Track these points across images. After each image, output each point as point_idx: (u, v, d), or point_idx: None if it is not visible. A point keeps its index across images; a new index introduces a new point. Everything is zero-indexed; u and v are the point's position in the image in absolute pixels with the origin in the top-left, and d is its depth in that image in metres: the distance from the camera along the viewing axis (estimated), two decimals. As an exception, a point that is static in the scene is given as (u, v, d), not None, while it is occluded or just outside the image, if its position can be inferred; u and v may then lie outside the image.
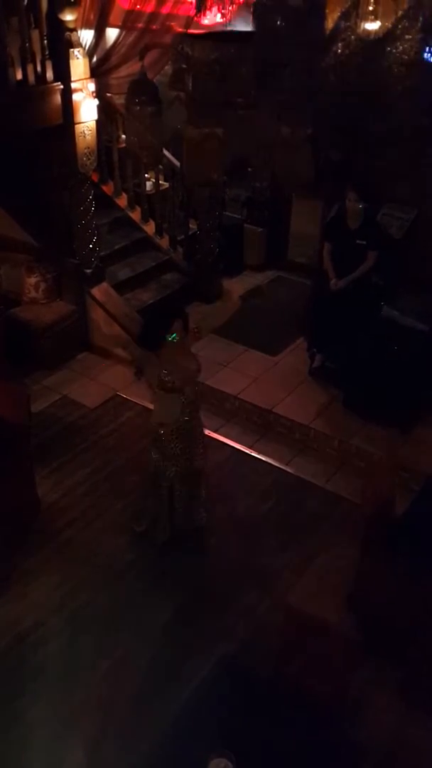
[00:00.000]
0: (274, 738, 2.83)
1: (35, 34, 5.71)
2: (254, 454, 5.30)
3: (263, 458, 5.26)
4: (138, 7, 5.77)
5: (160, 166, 7.06)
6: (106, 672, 3.68)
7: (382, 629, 3.72)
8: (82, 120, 5.69)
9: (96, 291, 6.41)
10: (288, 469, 5.16)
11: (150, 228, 7.28)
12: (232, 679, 3.20)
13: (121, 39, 5.82)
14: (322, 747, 2.85)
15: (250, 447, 5.34)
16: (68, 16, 5.30)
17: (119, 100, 6.29)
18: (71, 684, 3.62)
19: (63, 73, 5.55)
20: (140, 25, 5.71)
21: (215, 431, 5.42)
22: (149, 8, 5.69)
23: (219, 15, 6.20)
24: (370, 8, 5.59)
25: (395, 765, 3.28)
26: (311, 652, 3.00)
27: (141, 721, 3.42)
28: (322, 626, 3.15)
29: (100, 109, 5.95)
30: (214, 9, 6.11)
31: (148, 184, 7.25)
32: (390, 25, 5.59)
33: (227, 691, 3.11)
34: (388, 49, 5.67)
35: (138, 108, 5.28)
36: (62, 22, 5.34)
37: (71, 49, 5.43)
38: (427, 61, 5.59)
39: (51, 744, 3.34)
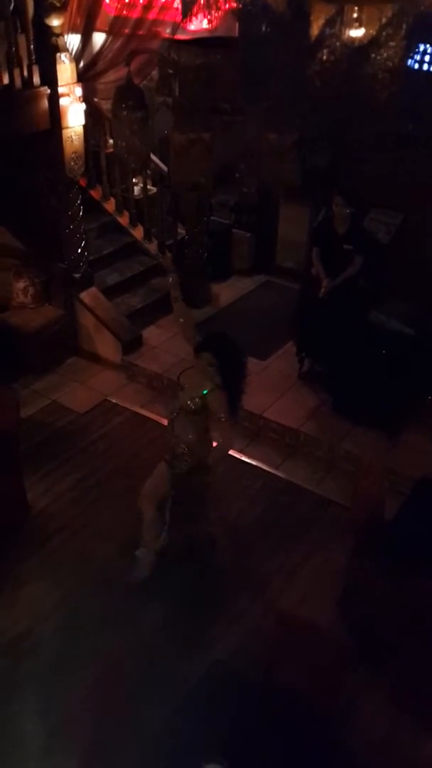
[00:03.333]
0: (266, 743, 2.83)
1: (22, 39, 5.69)
2: (244, 458, 5.31)
3: (253, 462, 5.27)
4: (125, 12, 5.78)
5: (148, 171, 7.07)
6: (97, 679, 3.67)
7: (372, 633, 3.75)
8: (70, 125, 5.70)
9: (85, 296, 6.41)
10: (278, 473, 5.17)
11: (138, 233, 7.29)
12: (224, 685, 3.20)
13: (107, 44, 5.83)
14: (315, 752, 2.86)
15: (240, 451, 5.35)
16: (55, 21, 5.30)
17: (106, 105, 6.29)
18: (62, 690, 3.61)
19: (50, 78, 5.55)
20: (127, 30, 5.72)
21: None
22: (136, 14, 5.71)
23: (205, 21, 6.21)
24: (355, 15, 5.65)
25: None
26: (302, 656, 3.01)
27: (133, 728, 3.42)
28: (313, 631, 3.17)
29: (88, 113, 5.96)
30: (201, 15, 6.12)
31: (136, 189, 7.26)
32: (374, 32, 5.64)
33: (219, 696, 3.11)
34: (373, 55, 5.72)
35: (125, 113, 5.28)
36: (49, 27, 5.34)
37: (58, 54, 5.43)
38: (411, 68, 5.66)
39: (42, 751, 3.33)
